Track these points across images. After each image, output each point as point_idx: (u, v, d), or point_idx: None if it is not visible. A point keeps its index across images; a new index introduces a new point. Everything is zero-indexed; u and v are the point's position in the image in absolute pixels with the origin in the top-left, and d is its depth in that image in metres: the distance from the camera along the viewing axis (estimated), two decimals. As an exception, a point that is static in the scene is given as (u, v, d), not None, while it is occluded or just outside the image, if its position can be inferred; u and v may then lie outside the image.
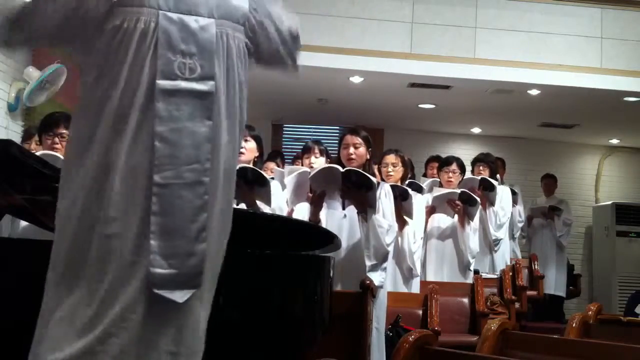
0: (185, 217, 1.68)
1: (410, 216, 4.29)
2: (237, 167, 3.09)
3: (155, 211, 1.66)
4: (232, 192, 1.86)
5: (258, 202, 3.24)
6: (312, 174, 3.48)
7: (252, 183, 3.20)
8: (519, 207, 7.07)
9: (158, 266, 1.65)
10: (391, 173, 4.46)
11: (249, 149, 3.37)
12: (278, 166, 5.31)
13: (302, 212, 3.56)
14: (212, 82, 1.73)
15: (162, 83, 1.69)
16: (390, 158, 4.52)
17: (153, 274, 1.64)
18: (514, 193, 6.71)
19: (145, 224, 1.65)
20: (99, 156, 1.68)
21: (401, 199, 4.18)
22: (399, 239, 4.22)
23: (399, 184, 4.45)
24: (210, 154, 1.72)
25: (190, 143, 1.69)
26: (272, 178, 3.75)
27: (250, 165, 3.28)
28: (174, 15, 1.72)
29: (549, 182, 8.02)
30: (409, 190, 4.36)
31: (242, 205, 3.21)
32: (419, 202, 4.67)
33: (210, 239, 1.73)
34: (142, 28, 1.71)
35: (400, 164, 4.50)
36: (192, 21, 1.73)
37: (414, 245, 4.37)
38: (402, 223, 4.22)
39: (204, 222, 1.70)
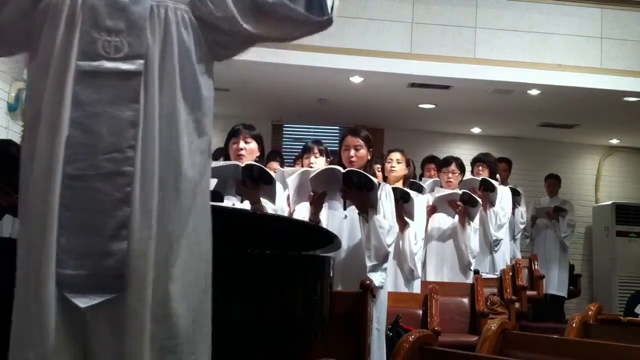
0: (100, 212, 1.50)
1: (412, 218, 4.29)
2: (243, 164, 3.12)
3: (67, 205, 1.50)
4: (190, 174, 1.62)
5: (262, 200, 3.23)
6: (312, 175, 3.48)
7: (257, 180, 3.19)
8: (522, 209, 7.06)
9: (67, 267, 1.49)
10: (395, 168, 4.47)
11: (251, 149, 3.35)
12: (281, 166, 5.32)
13: (302, 212, 3.56)
14: (140, 61, 1.56)
15: (82, 64, 1.54)
16: (396, 155, 4.57)
17: (61, 275, 1.49)
18: (517, 194, 6.71)
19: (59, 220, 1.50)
20: (29, 146, 1.58)
21: (403, 201, 4.19)
22: (400, 240, 4.22)
23: (400, 183, 4.45)
24: (134, 140, 1.54)
25: (109, 129, 1.52)
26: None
27: (257, 163, 3.26)
28: None
29: (553, 183, 8.02)
30: (410, 192, 4.37)
31: (247, 203, 3.21)
32: (420, 202, 4.67)
33: (145, 236, 1.53)
34: (69, 5, 1.57)
35: (404, 163, 4.53)
36: None
37: (415, 247, 4.37)
38: (403, 224, 4.22)
39: (124, 217, 1.51)
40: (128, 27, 1.56)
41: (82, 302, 1.49)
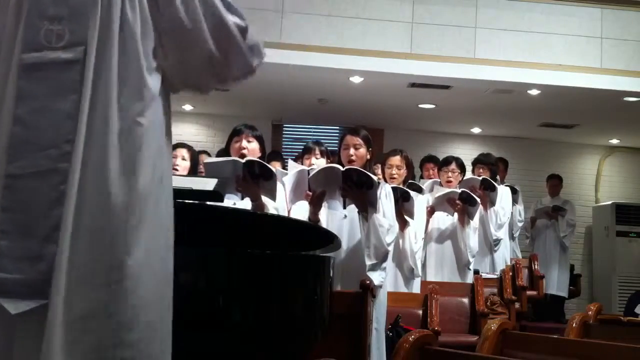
0: (36, 213, 1.42)
1: (412, 216, 4.30)
2: (244, 160, 3.11)
3: (5, 207, 1.42)
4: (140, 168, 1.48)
5: (263, 198, 3.22)
6: (312, 174, 3.48)
7: (257, 177, 3.18)
8: (519, 207, 7.08)
9: (3, 270, 1.40)
10: (395, 176, 4.44)
11: (253, 149, 3.35)
12: (284, 168, 5.32)
13: (300, 211, 3.56)
14: (80, 48, 1.45)
15: (26, 57, 1.45)
16: (395, 160, 4.48)
17: None
18: (514, 192, 6.72)
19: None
20: None
21: (403, 200, 4.18)
22: (400, 239, 4.22)
23: (400, 185, 4.45)
24: (72, 133, 1.43)
25: (49, 124, 1.43)
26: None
27: (257, 158, 3.25)
28: None
29: (554, 183, 8.03)
30: (410, 191, 4.37)
31: (247, 200, 3.20)
32: (420, 202, 4.67)
33: (77, 240, 1.41)
34: None
35: (404, 167, 4.49)
36: None
37: (415, 246, 4.37)
38: (403, 223, 4.22)
39: (57, 218, 1.42)
40: (70, 13, 1.47)
41: (13, 308, 1.40)
